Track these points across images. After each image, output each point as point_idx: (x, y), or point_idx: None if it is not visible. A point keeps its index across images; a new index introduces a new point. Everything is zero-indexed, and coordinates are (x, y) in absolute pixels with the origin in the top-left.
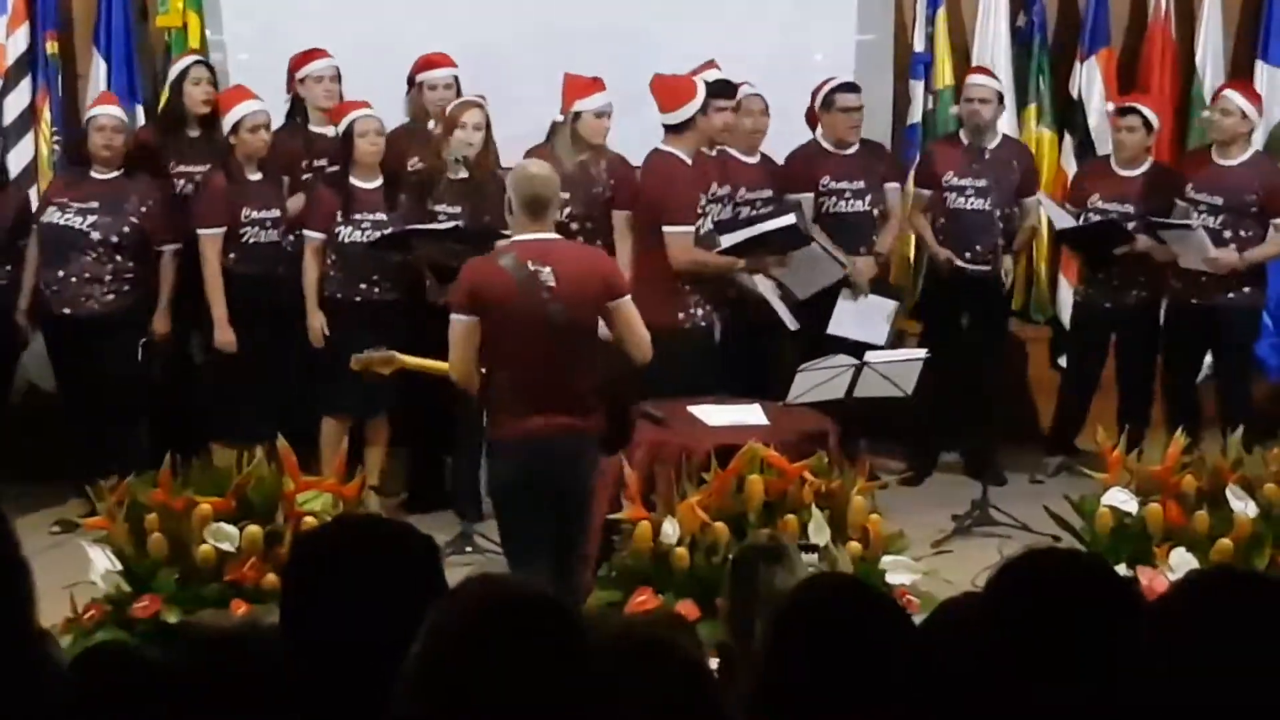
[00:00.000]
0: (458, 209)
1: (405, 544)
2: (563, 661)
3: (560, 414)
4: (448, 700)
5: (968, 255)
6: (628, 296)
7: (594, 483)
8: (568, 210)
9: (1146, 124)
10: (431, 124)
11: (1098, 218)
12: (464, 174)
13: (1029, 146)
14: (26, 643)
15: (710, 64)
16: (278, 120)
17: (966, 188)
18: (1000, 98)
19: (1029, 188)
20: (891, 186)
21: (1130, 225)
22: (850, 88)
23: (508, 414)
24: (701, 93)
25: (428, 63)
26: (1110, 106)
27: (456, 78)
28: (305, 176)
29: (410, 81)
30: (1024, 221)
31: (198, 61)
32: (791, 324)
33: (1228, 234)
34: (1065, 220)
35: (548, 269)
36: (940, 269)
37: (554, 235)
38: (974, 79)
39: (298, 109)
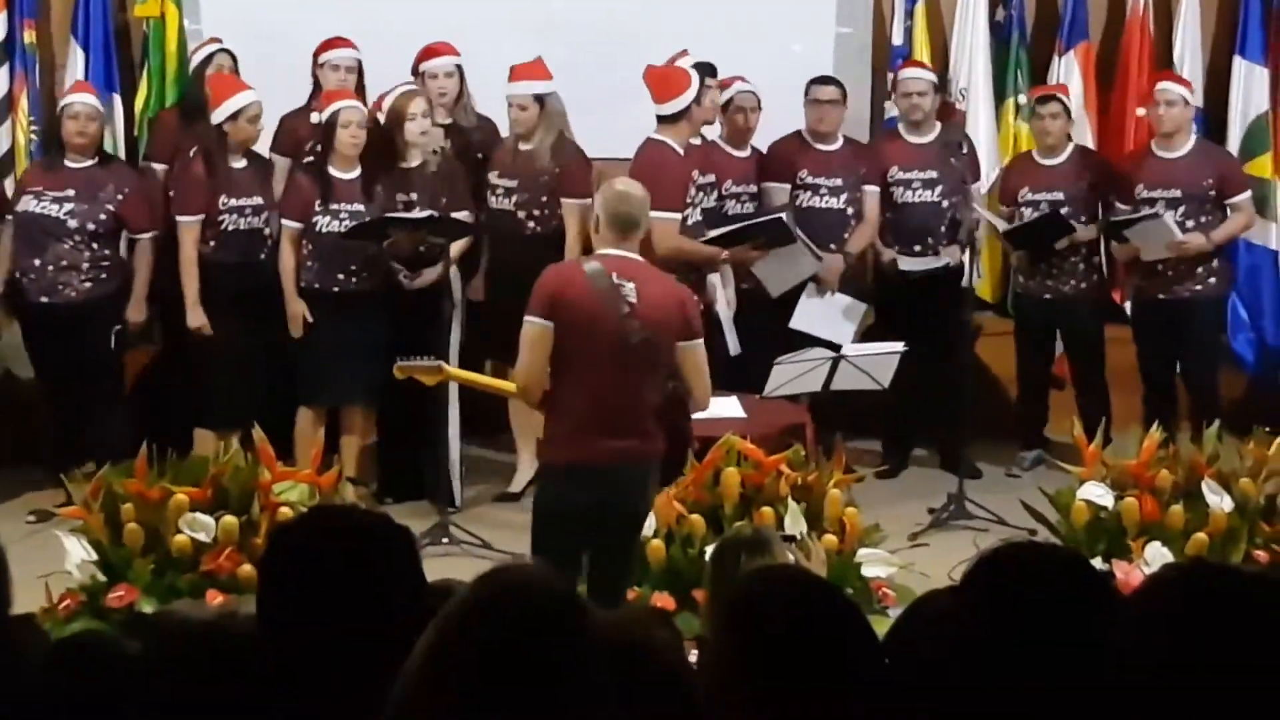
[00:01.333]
0: (425, 199)
1: (382, 534)
2: (576, 661)
3: (626, 438)
4: (457, 692)
5: (918, 248)
6: (701, 340)
7: (650, 508)
8: (512, 199)
9: (1066, 110)
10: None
11: (1031, 211)
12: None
13: (966, 131)
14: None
15: (683, 53)
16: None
17: (913, 180)
18: (935, 88)
19: (975, 173)
20: (870, 189)
21: (1064, 211)
22: (825, 80)
23: (571, 435)
24: (696, 83)
25: (429, 51)
26: (1023, 98)
27: (459, 66)
28: (307, 160)
29: (414, 71)
30: (967, 210)
31: (221, 49)
32: (734, 349)
33: (1190, 224)
34: (1002, 224)
35: (630, 285)
36: (886, 268)
37: (639, 256)
38: (908, 73)
39: (316, 93)
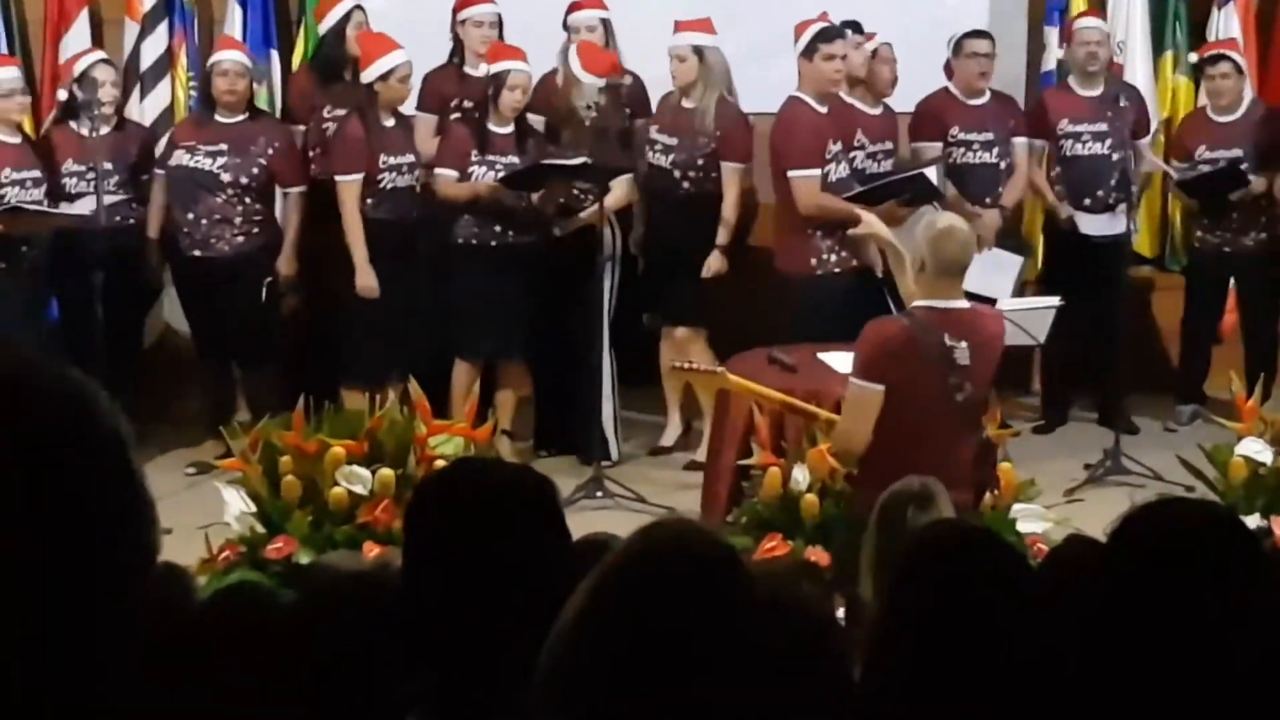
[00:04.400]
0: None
1: (525, 487)
2: (731, 616)
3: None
4: (612, 646)
5: (1088, 202)
6: None
7: None
8: (670, 158)
9: (1238, 68)
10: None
11: (1208, 168)
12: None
13: (1137, 88)
14: (145, 574)
15: (823, 16)
16: (423, 65)
17: (1083, 133)
18: (1109, 38)
19: (1143, 129)
20: (1020, 140)
21: (1243, 167)
22: (980, 34)
23: (883, 489)
24: (809, 31)
25: (575, 5)
26: (1194, 57)
27: (604, 20)
28: (454, 117)
29: (563, 26)
30: (1139, 164)
31: (357, 6)
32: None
33: None
34: (1176, 174)
35: (964, 346)
36: (1063, 225)
37: (965, 302)
38: (1084, 22)
39: (457, 50)
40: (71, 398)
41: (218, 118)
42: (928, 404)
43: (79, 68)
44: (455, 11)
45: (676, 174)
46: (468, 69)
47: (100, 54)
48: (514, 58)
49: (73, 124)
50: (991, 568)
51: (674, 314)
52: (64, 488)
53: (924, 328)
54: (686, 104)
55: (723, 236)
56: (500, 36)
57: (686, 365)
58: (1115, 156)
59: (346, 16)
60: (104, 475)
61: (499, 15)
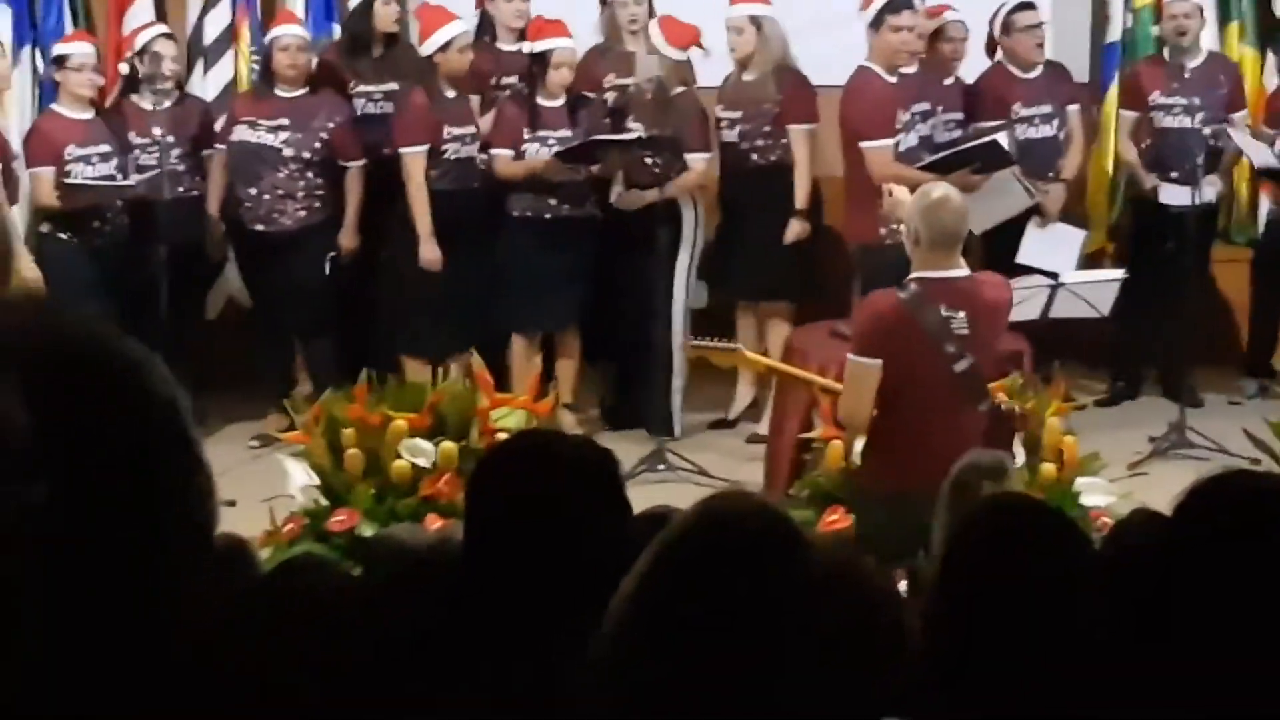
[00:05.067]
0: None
1: (584, 460)
2: (793, 588)
3: (947, 464)
4: (673, 616)
5: (1174, 175)
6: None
7: None
8: (736, 130)
9: None
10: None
11: None
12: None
13: (1235, 62)
14: (205, 542)
15: None
16: None
17: (1174, 105)
18: (1201, 11)
19: (1237, 103)
20: (1073, 108)
21: None
22: (1028, 5)
23: (893, 467)
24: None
25: None
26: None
27: None
28: (504, 95)
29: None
30: (1229, 139)
31: None
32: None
33: None
34: (1262, 153)
35: (961, 314)
36: (1146, 195)
37: (964, 271)
38: None
39: (486, 26)
40: (129, 367)
41: (278, 91)
42: (926, 376)
43: (140, 41)
44: None
45: (744, 145)
46: (501, 44)
47: (162, 28)
48: (557, 34)
49: (134, 97)
50: (1050, 541)
51: (747, 288)
52: (118, 455)
53: (919, 299)
54: (746, 77)
55: (801, 199)
56: (529, 8)
57: (700, 343)
58: (1206, 130)
59: None
60: (159, 444)
61: None
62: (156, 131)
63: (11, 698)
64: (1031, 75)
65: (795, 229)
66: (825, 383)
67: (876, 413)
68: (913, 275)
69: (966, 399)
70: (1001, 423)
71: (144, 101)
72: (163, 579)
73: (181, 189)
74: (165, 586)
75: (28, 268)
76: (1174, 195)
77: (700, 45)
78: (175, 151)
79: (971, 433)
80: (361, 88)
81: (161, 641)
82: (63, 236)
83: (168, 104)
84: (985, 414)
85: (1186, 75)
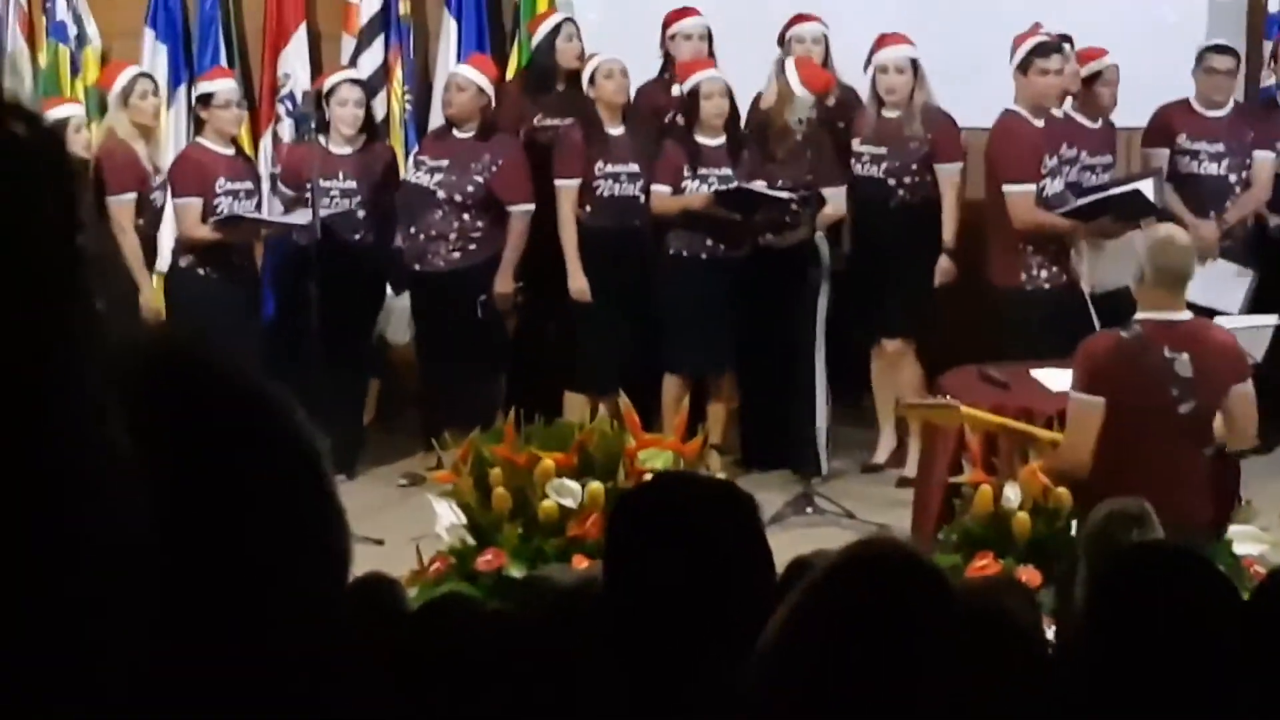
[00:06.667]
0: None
1: (724, 502)
2: (937, 629)
3: (1172, 513)
4: (819, 656)
5: None
6: (1250, 379)
7: None
8: (882, 167)
9: None
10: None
11: None
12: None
13: None
14: (339, 580)
15: (1036, 28)
16: (637, 76)
17: None
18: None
19: None
20: (1262, 155)
21: None
22: (1221, 49)
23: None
24: (1025, 46)
25: (797, 19)
26: None
27: (825, 34)
28: (665, 129)
29: (780, 40)
30: None
31: (567, 19)
32: (1097, 325)
33: None
34: None
35: (1184, 357)
36: (1274, 234)
37: (1186, 314)
38: None
39: (668, 65)
40: (261, 405)
41: (454, 133)
42: (1148, 418)
43: (327, 85)
44: (665, 27)
45: (891, 182)
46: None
47: (351, 72)
48: (703, 69)
49: (322, 139)
50: (1195, 591)
51: (887, 326)
52: (245, 491)
53: (1141, 340)
54: (889, 114)
55: (949, 239)
56: (710, 50)
57: (916, 402)
58: None
59: (557, 29)
60: (288, 483)
61: (708, 28)
62: (327, 174)
63: None
64: (1213, 114)
65: (945, 268)
66: (1051, 436)
67: (1098, 452)
68: (1136, 316)
69: (1190, 442)
70: (1227, 466)
71: (331, 145)
72: (293, 610)
73: (355, 234)
74: (295, 620)
75: (152, 299)
76: None
77: (833, 90)
78: (356, 199)
79: (1194, 476)
80: (548, 122)
81: (296, 674)
82: (201, 272)
83: (349, 151)
84: (1209, 459)
85: None
